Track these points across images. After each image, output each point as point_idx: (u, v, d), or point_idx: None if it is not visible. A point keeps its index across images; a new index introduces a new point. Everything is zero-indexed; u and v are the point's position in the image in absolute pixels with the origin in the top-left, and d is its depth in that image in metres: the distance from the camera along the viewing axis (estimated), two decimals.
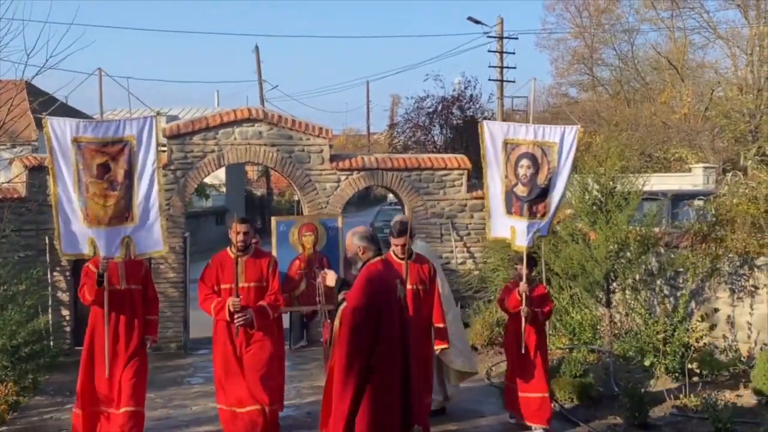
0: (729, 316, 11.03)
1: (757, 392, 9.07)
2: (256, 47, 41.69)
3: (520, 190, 8.36)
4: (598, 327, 11.53)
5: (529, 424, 8.21)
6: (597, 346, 11.24)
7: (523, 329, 8.15)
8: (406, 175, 13.71)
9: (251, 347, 7.73)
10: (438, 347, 8.12)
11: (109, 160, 7.43)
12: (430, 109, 31.67)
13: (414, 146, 30.70)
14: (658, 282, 11.70)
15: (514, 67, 32.40)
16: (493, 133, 8.45)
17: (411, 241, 7.87)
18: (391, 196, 26.07)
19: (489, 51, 30.88)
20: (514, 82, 42.12)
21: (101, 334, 7.49)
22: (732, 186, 10.90)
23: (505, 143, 8.41)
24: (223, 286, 7.69)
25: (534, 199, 8.35)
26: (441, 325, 8.04)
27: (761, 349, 10.14)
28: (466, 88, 32.08)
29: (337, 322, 6.05)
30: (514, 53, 32.60)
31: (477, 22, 31.31)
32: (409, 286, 7.28)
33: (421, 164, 13.91)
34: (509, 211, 8.42)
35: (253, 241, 8.12)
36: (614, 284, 11.40)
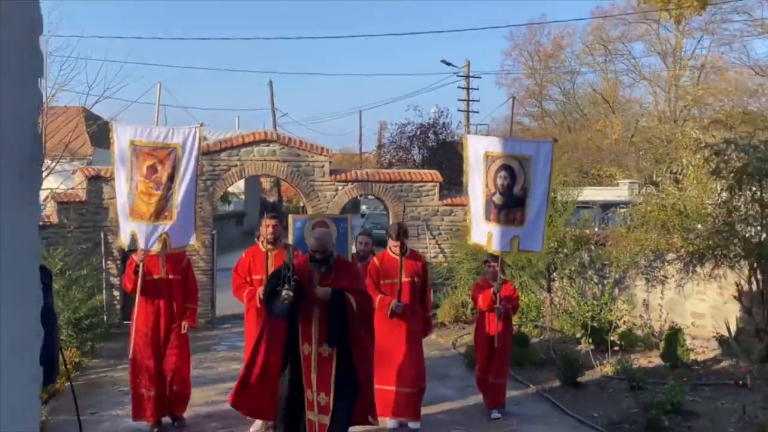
0: (644, 300, 11.28)
1: (664, 359, 9.33)
2: (270, 82, 41.73)
3: (498, 198, 7.51)
4: (541, 308, 11.73)
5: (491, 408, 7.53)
6: (540, 322, 11.48)
7: (497, 326, 7.40)
8: (390, 186, 13.94)
9: None
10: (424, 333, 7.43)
11: (156, 162, 6.97)
12: (411, 134, 31.79)
13: (397, 163, 30.81)
14: (589, 272, 11.90)
15: (478, 100, 32.73)
16: (475, 147, 7.66)
17: (406, 241, 7.40)
18: (364, 207, 26.44)
19: (458, 87, 31.14)
20: (477, 112, 42.35)
21: (141, 319, 6.95)
22: (647, 197, 11.11)
23: (486, 156, 7.54)
24: (254, 277, 7.13)
25: (510, 208, 7.49)
26: (429, 314, 7.57)
27: (669, 325, 10.41)
28: (439, 117, 32.29)
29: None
30: (477, 89, 32.89)
31: (449, 64, 31.58)
32: (406, 279, 7.00)
33: (402, 178, 14.15)
34: (488, 218, 7.54)
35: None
36: (554, 274, 11.68)
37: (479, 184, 7.58)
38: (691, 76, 35.87)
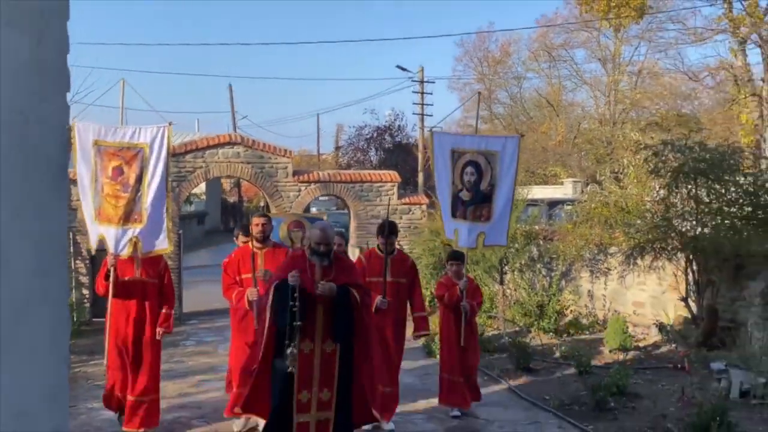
0: (589, 291, 11.63)
1: (608, 345, 9.66)
2: (230, 86, 41.38)
3: (465, 195, 7.15)
4: (495, 299, 11.99)
5: (453, 407, 7.06)
6: (493, 313, 11.73)
7: (463, 323, 6.90)
8: (351, 186, 14.07)
9: None
10: (419, 333, 7.13)
11: (123, 163, 6.39)
12: (368, 136, 32.09)
13: (355, 164, 30.98)
14: (538, 266, 12.20)
15: (432, 104, 33.07)
16: (441, 144, 7.25)
17: (395, 238, 7.00)
18: (314, 209, 26.60)
19: (413, 92, 31.36)
20: (431, 116, 42.75)
21: (113, 324, 6.40)
22: (591, 195, 11.44)
23: (453, 152, 7.16)
24: (243, 276, 6.62)
25: (477, 204, 7.15)
26: (422, 314, 7.07)
27: (612, 314, 10.76)
28: (395, 119, 32.62)
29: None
30: (431, 93, 33.26)
31: (404, 69, 31.75)
32: (390, 278, 6.66)
33: (362, 178, 14.29)
34: (455, 215, 7.18)
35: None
36: (506, 267, 11.95)
37: (446, 181, 7.21)
38: (629, 81, 36.73)
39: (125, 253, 6.39)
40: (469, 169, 7.15)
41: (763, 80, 19.10)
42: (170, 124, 6.61)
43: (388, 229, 6.81)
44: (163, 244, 6.51)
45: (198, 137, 17.79)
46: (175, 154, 12.82)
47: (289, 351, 4.81)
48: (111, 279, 6.31)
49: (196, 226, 33.27)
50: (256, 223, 6.75)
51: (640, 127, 23.24)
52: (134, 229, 6.39)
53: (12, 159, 1.39)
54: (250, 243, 6.64)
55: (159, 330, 6.52)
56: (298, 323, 4.83)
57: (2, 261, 1.34)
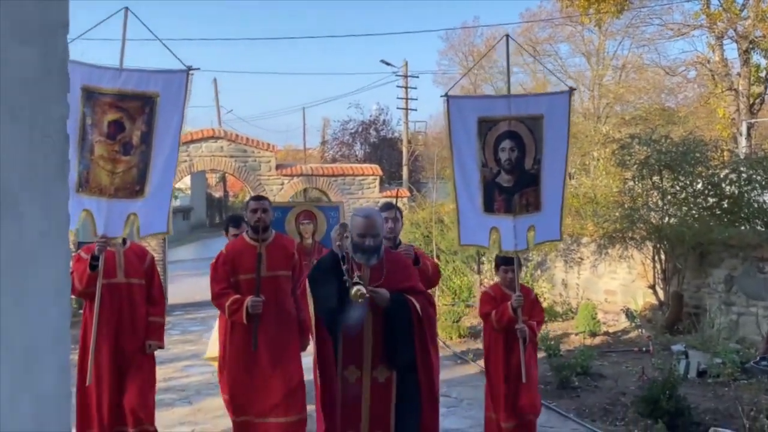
0: (563, 279, 12.11)
1: (579, 330, 10.12)
2: (215, 80, 41.59)
3: (505, 179, 5.26)
4: (473, 288, 12.45)
5: None
6: (471, 302, 12.15)
7: (522, 353, 5.09)
8: (334, 179, 14.50)
9: (276, 353, 5.13)
10: None
11: (124, 117, 4.88)
12: (353, 130, 32.49)
13: (340, 158, 31.36)
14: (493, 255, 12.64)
15: (416, 99, 33.30)
16: (462, 111, 5.27)
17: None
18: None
19: (397, 86, 31.77)
20: (416, 110, 43.05)
21: (97, 338, 4.92)
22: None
23: (480, 122, 5.22)
24: (242, 277, 5.16)
25: (523, 189, 5.28)
26: None
27: (584, 302, 11.23)
28: (380, 114, 33.03)
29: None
30: (416, 88, 33.56)
31: (388, 64, 32.12)
32: None
33: (344, 171, 14.74)
34: (490, 209, 5.25)
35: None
36: (483, 258, 12.39)
37: (472, 163, 5.27)
38: (613, 76, 37.30)
39: (120, 236, 5.03)
40: (506, 143, 5.24)
41: (739, 75, 19.66)
42: (190, 68, 5.06)
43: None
44: (163, 226, 5.13)
45: None
46: None
47: (352, 291, 3.71)
48: (99, 272, 4.87)
49: (181, 221, 33.63)
50: (254, 209, 5.22)
51: (625, 121, 23.74)
52: (134, 204, 4.96)
53: (17, 147, 1.76)
54: (245, 236, 5.36)
55: (149, 343, 5.27)
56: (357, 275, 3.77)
57: (15, 216, 1.70)
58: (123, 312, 5.15)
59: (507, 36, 5.69)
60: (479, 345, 9.45)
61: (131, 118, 4.93)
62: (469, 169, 5.28)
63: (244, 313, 4.96)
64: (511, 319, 5.12)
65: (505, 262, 5.40)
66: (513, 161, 5.26)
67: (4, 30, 1.64)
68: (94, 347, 4.85)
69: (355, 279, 3.77)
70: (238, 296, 5.06)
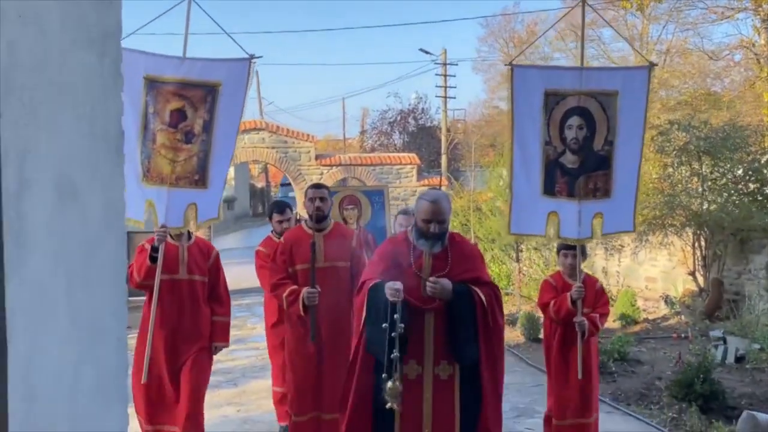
0: (603, 267, 12.10)
1: (618, 317, 10.14)
2: (256, 72, 42.07)
3: (570, 160, 4.80)
4: (511, 276, 12.52)
5: None
6: (510, 290, 12.22)
7: (579, 348, 4.71)
8: (372, 168, 14.69)
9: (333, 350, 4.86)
10: None
11: (186, 106, 4.79)
12: (391, 120, 32.65)
13: (379, 148, 31.58)
14: (553, 243, 12.66)
15: (455, 87, 33.29)
16: (528, 82, 4.78)
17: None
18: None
19: (435, 74, 31.81)
20: (455, 98, 42.93)
21: (155, 336, 4.68)
22: None
23: (547, 95, 4.76)
24: (298, 267, 4.95)
25: (590, 172, 4.80)
26: None
27: (625, 289, 11.23)
28: (418, 103, 33.11)
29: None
30: (454, 76, 33.51)
31: (427, 52, 32.17)
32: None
33: (382, 161, 14.92)
34: (550, 191, 4.84)
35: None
36: (522, 246, 12.45)
37: (535, 140, 4.82)
38: (657, 60, 36.71)
39: (181, 226, 4.83)
40: (574, 119, 4.78)
41: None
42: (253, 57, 4.96)
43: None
44: (213, 212, 5.05)
45: None
46: None
47: (388, 385, 3.41)
48: (158, 264, 4.65)
49: (225, 210, 34.22)
50: (312, 198, 5.04)
51: (669, 106, 23.39)
52: (195, 193, 4.85)
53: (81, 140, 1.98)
54: (303, 225, 5.18)
55: (215, 345, 5.00)
56: (398, 354, 3.40)
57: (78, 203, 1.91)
58: (184, 310, 4.84)
59: (583, 1, 5.07)
60: (517, 333, 9.57)
61: (193, 107, 4.84)
62: (531, 146, 4.82)
63: (300, 305, 4.78)
64: (570, 312, 4.71)
65: (565, 246, 4.98)
66: (580, 140, 4.78)
67: (68, 38, 1.85)
68: (150, 345, 4.62)
69: (394, 378, 3.39)
70: (294, 287, 4.86)
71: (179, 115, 4.79)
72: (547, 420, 5.03)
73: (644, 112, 4.87)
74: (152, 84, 4.72)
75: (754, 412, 5.55)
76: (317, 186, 5.27)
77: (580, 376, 4.70)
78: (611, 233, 5.33)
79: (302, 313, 4.81)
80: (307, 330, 4.84)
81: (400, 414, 3.57)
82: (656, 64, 5.11)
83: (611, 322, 10.03)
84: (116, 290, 2.13)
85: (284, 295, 4.87)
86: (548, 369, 5.04)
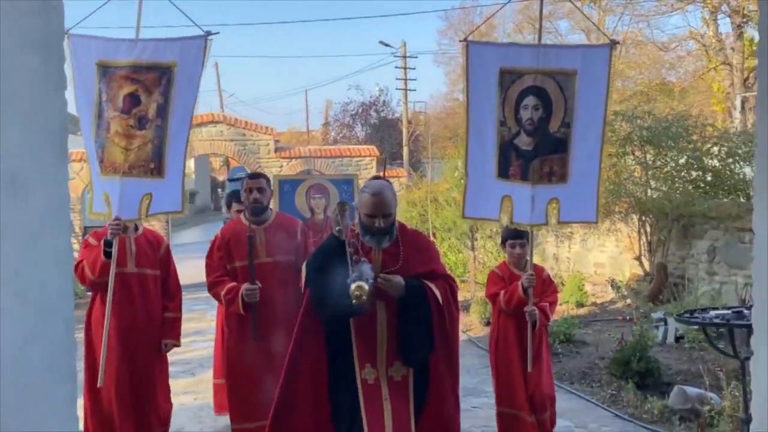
0: (554, 254, 12.48)
1: (566, 301, 10.49)
2: (216, 64, 41.81)
3: (524, 142, 4.56)
4: (467, 264, 12.82)
5: None
6: (466, 278, 12.53)
7: (529, 338, 4.52)
8: (332, 161, 14.87)
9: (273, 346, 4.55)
10: None
11: (139, 89, 4.48)
12: (353, 112, 32.83)
13: (342, 140, 31.70)
14: None
15: (415, 79, 33.56)
16: (484, 59, 4.53)
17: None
18: None
19: (395, 67, 32.02)
20: (415, 90, 43.24)
21: (110, 333, 4.39)
22: None
23: (502, 72, 4.50)
24: (237, 264, 4.70)
25: (545, 155, 4.55)
26: None
27: (574, 275, 11.60)
28: (380, 95, 33.34)
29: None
30: (414, 68, 33.78)
31: (387, 45, 32.38)
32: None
33: (342, 153, 15.11)
34: (504, 174, 4.59)
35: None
36: (477, 234, 12.75)
37: (490, 121, 4.58)
38: (613, 51, 37.39)
39: (135, 218, 4.58)
40: (530, 99, 4.54)
41: (733, 49, 19.84)
42: (209, 34, 4.58)
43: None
44: (176, 205, 4.74)
45: None
46: None
47: (354, 286, 3.19)
48: (113, 259, 4.36)
49: (186, 204, 34.09)
50: (248, 189, 4.77)
51: (625, 97, 23.96)
52: (150, 183, 4.55)
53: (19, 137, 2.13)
54: (242, 218, 4.88)
55: (165, 342, 4.75)
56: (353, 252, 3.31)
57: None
58: (135, 306, 4.60)
59: None
60: (471, 318, 9.88)
61: (147, 91, 4.50)
62: (486, 127, 4.59)
63: (240, 303, 4.51)
64: (522, 300, 4.54)
65: (511, 236, 4.83)
66: (535, 121, 4.52)
67: (11, 41, 2.02)
68: (105, 345, 4.33)
69: (356, 272, 3.22)
70: (233, 284, 4.58)
71: (132, 100, 4.50)
72: (501, 417, 4.81)
73: (605, 93, 4.55)
74: (105, 70, 4.46)
75: (685, 387, 5.91)
76: (255, 175, 4.95)
77: (529, 369, 4.54)
78: (570, 222, 5.17)
79: (242, 311, 4.53)
80: (248, 330, 4.54)
81: (365, 418, 3.38)
82: (618, 42, 4.94)
83: (560, 306, 10.40)
84: (62, 274, 2.30)
85: (222, 293, 4.59)
86: (496, 363, 4.84)
